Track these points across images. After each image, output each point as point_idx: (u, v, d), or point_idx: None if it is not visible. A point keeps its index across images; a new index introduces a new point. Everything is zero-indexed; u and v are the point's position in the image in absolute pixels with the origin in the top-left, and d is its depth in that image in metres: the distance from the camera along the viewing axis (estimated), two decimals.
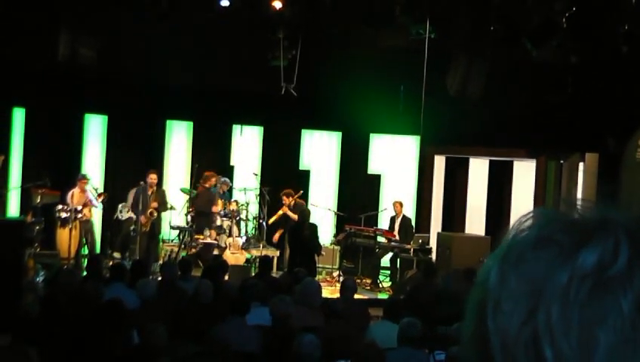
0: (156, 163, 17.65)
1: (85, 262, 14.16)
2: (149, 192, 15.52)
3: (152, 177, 15.61)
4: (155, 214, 15.53)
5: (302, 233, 15.22)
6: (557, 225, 0.83)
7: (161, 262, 15.15)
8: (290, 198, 16.32)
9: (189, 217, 16.47)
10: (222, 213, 16.26)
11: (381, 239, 16.32)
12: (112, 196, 16.58)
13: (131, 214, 15.80)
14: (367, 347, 6.66)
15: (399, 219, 16.35)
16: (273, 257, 15.50)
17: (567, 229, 0.82)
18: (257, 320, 8.02)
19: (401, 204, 16.42)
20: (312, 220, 15.87)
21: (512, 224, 0.87)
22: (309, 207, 16.65)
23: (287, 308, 7.70)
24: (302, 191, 16.71)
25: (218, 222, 16.11)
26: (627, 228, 0.81)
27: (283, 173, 17.65)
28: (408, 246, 15.69)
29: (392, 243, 16.10)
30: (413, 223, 16.75)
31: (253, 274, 14.24)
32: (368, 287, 15.45)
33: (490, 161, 17.42)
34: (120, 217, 16.21)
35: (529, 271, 0.81)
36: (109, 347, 6.88)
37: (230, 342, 6.74)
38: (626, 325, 0.77)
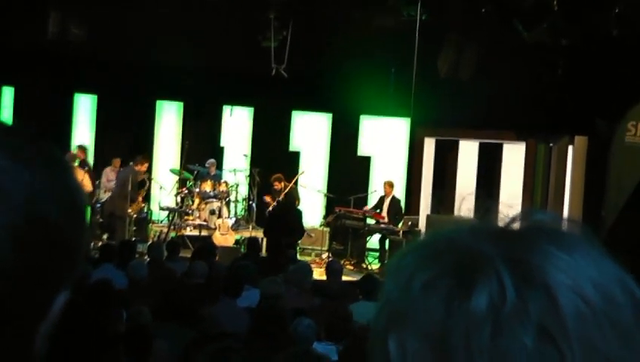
0: (146, 143, 17.60)
1: None
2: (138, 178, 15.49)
3: (145, 166, 15.63)
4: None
5: (288, 216, 15.11)
6: (438, 266, 0.79)
7: (150, 242, 15.11)
8: (283, 183, 16.25)
9: (179, 198, 16.42)
10: (211, 193, 16.22)
11: (370, 221, 16.30)
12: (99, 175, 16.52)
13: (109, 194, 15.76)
14: (362, 328, 6.67)
15: (388, 199, 16.20)
16: (262, 239, 15.48)
17: (449, 272, 0.78)
18: (247, 302, 8.02)
19: (391, 185, 16.27)
20: (302, 200, 15.88)
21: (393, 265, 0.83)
22: (299, 188, 16.67)
23: (278, 288, 7.69)
24: (303, 171, 16.81)
25: None
26: (503, 257, 0.78)
27: (273, 155, 17.61)
28: (397, 229, 15.69)
29: (381, 225, 16.07)
30: (403, 205, 16.71)
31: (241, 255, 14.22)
32: (354, 268, 15.41)
33: (480, 144, 17.41)
34: (100, 199, 16.09)
35: (424, 327, 0.77)
36: (98, 328, 6.86)
37: (221, 323, 6.73)
38: (535, 358, 0.75)
